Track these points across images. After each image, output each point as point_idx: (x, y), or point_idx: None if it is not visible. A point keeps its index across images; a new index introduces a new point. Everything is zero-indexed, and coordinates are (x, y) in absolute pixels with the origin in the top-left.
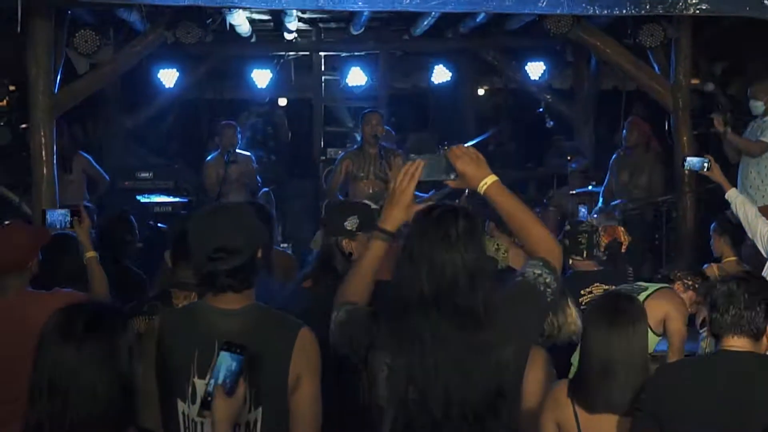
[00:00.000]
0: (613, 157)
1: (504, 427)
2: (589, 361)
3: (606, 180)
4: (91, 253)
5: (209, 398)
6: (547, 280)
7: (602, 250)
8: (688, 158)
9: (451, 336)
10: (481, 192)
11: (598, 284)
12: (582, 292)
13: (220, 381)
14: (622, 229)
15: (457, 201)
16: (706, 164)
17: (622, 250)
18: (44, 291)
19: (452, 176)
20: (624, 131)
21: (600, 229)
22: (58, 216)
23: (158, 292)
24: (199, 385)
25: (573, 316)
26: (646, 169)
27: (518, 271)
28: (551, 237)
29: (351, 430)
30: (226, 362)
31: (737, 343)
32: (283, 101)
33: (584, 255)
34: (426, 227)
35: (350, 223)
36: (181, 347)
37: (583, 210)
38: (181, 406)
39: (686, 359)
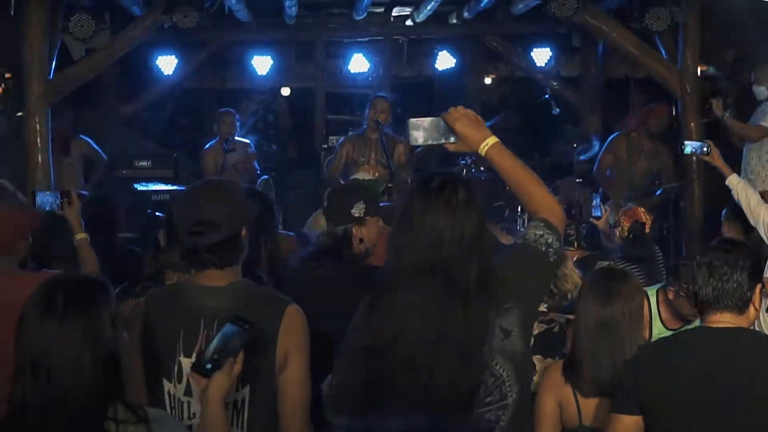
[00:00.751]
0: (614, 138)
1: (516, 392)
2: (579, 339)
3: (599, 161)
4: (81, 235)
5: (208, 366)
6: (549, 240)
7: (626, 233)
8: (687, 142)
9: (449, 308)
10: (482, 153)
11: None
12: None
13: (214, 354)
14: (642, 209)
15: None
16: (705, 148)
17: (646, 231)
18: (31, 272)
19: (451, 139)
20: (650, 117)
21: (619, 214)
22: (47, 198)
23: (151, 273)
24: (185, 364)
25: (569, 268)
26: (659, 155)
27: (519, 233)
28: (552, 197)
29: None
30: (228, 335)
31: (721, 318)
32: (286, 91)
33: (575, 246)
34: (427, 196)
35: (357, 210)
36: (167, 326)
37: (596, 200)
38: (167, 386)
39: (667, 337)
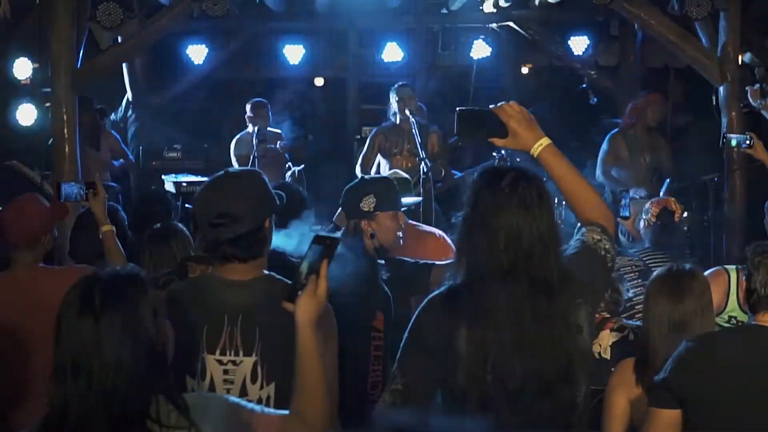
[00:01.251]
0: (611, 137)
1: (581, 394)
2: (651, 340)
3: (602, 163)
4: (106, 227)
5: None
6: (607, 246)
7: (654, 219)
8: (730, 134)
9: (528, 306)
10: (535, 155)
11: (620, 257)
12: None
13: (303, 280)
14: (673, 199)
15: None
16: (747, 141)
17: (675, 219)
18: (56, 266)
19: (501, 135)
20: (645, 110)
21: (649, 203)
22: (73, 189)
23: (175, 266)
24: (209, 360)
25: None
26: (660, 146)
27: (576, 236)
28: (605, 204)
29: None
30: (313, 257)
31: None
32: (319, 81)
33: None
34: (500, 193)
35: (366, 204)
36: (190, 321)
37: (626, 199)
38: (191, 382)
39: (716, 333)
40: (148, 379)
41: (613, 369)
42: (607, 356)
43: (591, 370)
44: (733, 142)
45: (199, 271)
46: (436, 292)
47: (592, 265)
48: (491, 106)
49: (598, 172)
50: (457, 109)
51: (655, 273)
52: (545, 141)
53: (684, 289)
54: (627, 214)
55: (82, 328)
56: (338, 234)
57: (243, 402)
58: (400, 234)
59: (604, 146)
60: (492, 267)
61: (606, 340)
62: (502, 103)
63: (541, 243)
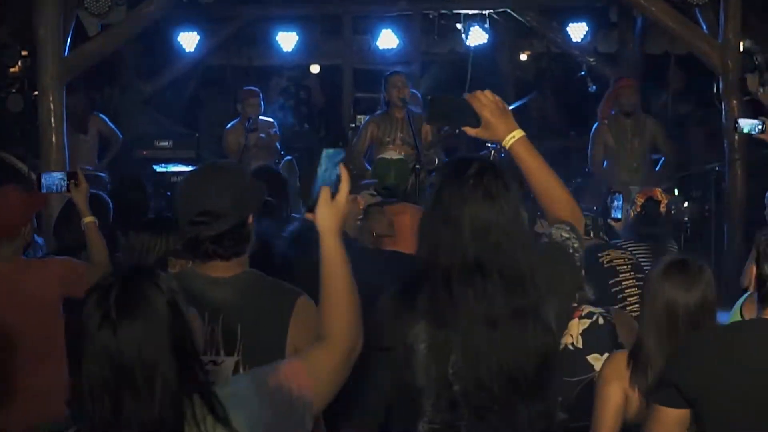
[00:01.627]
0: (596, 129)
1: (553, 394)
2: (647, 334)
3: (592, 158)
4: (89, 218)
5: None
6: (575, 245)
7: (638, 209)
8: (741, 120)
9: (498, 302)
10: (507, 146)
11: (612, 250)
12: (599, 255)
13: (323, 182)
14: (659, 189)
15: None
16: (760, 127)
17: (661, 209)
18: (36, 258)
19: (473, 124)
20: (618, 96)
21: (635, 193)
22: (54, 179)
23: (155, 260)
24: None
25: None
26: (647, 128)
27: (543, 232)
28: (575, 201)
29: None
30: (329, 161)
31: None
32: (315, 68)
33: (591, 235)
34: (464, 185)
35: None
36: None
37: (618, 201)
38: None
39: (726, 326)
40: (179, 380)
41: (590, 357)
42: (580, 345)
43: (563, 363)
44: (746, 129)
45: (179, 267)
46: (393, 288)
47: (560, 262)
48: (465, 95)
49: (590, 165)
50: (430, 96)
51: (658, 262)
52: (518, 133)
53: (688, 282)
54: (618, 216)
55: (104, 341)
56: None
57: (262, 368)
58: (360, 218)
59: (591, 140)
60: (457, 261)
61: (576, 328)
62: (477, 91)
63: (509, 236)
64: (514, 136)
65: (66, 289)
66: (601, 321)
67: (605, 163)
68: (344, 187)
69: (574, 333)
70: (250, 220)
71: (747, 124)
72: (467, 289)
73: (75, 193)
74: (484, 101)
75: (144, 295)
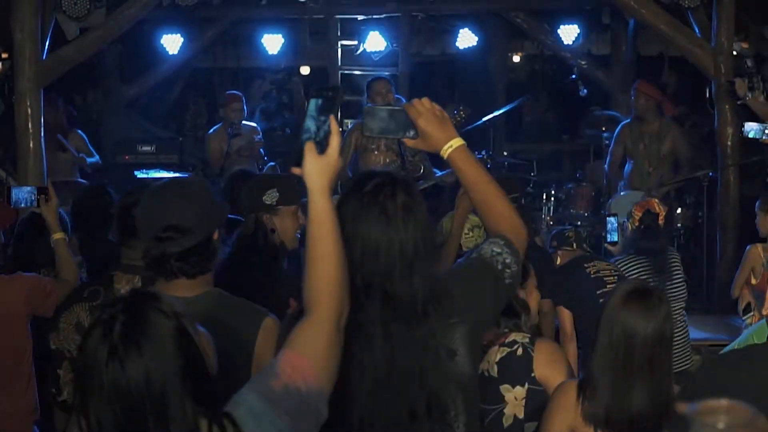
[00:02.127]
0: (619, 128)
1: (463, 422)
2: (599, 362)
3: (610, 155)
4: (58, 235)
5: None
6: (507, 261)
7: (636, 223)
8: (747, 124)
9: (380, 332)
10: (444, 156)
11: (598, 261)
12: (586, 265)
13: (310, 135)
14: (656, 200)
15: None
16: (767, 131)
17: (660, 222)
18: (2, 275)
19: (410, 134)
20: (632, 98)
21: (631, 206)
22: (23, 194)
23: (101, 275)
24: None
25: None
26: (669, 136)
27: (475, 248)
28: (517, 215)
29: None
30: (313, 111)
31: None
32: (305, 70)
33: (573, 246)
34: (360, 201)
35: (269, 197)
36: None
37: (612, 223)
38: None
39: (743, 349)
40: (193, 407)
41: (502, 387)
42: (494, 374)
43: (476, 390)
44: (752, 134)
45: (125, 281)
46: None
47: (481, 280)
48: (403, 103)
49: (607, 168)
50: (365, 107)
51: (616, 287)
52: (456, 142)
53: (650, 309)
54: (615, 239)
55: (113, 376)
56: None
57: (261, 376)
58: (299, 232)
59: (613, 139)
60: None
61: (494, 356)
62: (414, 99)
63: (403, 259)
64: (451, 146)
65: (33, 307)
66: (519, 351)
67: (627, 165)
68: (335, 140)
69: (491, 360)
70: (216, 236)
71: (753, 129)
72: (358, 314)
73: (45, 208)
74: (420, 109)
75: (149, 324)
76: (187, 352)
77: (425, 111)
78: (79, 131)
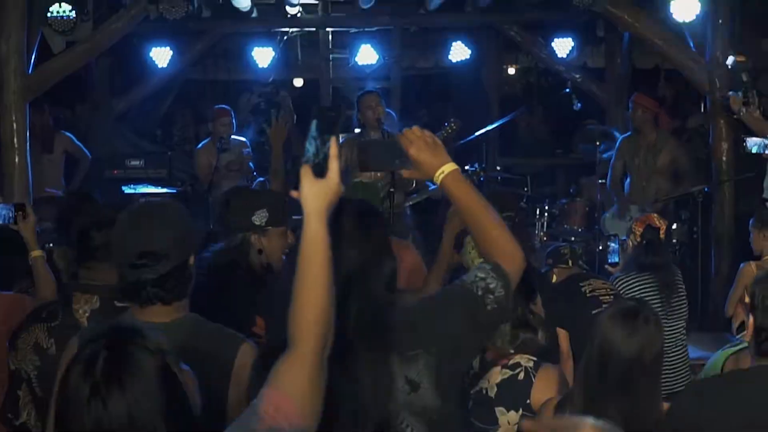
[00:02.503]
0: (619, 142)
1: None
2: (585, 383)
3: (611, 170)
4: (36, 253)
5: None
6: (491, 286)
7: (637, 239)
8: (748, 139)
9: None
10: (437, 182)
11: (594, 279)
12: (581, 284)
13: (308, 158)
14: (656, 215)
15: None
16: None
17: (661, 236)
18: None
19: (406, 165)
20: (629, 111)
21: (631, 222)
22: (1, 211)
23: (60, 296)
24: None
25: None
26: (667, 148)
27: (466, 273)
28: (513, 241)
29: None
30: (314, 132)
31: None
32: (299, 82)
33: (569, 263)
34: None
35: (258, 218)
36: None
37: (614, 244)
38: None
39: (723, 376)
40: None
41: (498, 409)
42: (492, 394)
43: (450, 421)
44: (753, 149)
45: (84, 301)
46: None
47: (454, 309)
48: (395, 133)
49: (608, 182)
50: (358, 141)
51: (605, 309)
52: (448, 167)
53: (633, 327)
54: (616, 260)
55: (94, 415)
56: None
57: (243, 419)
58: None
59: (614, 152)
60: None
61: (495, 377)
62: (405, 129)
63: (351, 282)
64: (443, 171)
65: (11, 326)
66: (521, 376)
67: (627, 179)
68: (334, 164)
69: (492, 381)
70: (191, 261)
71: (754, 144)
72: None
73: (22, 225)
74: (411, 137)
75: (132, 361)
76: (170, 389)
77: (416, 139)
78: (67, 133)
